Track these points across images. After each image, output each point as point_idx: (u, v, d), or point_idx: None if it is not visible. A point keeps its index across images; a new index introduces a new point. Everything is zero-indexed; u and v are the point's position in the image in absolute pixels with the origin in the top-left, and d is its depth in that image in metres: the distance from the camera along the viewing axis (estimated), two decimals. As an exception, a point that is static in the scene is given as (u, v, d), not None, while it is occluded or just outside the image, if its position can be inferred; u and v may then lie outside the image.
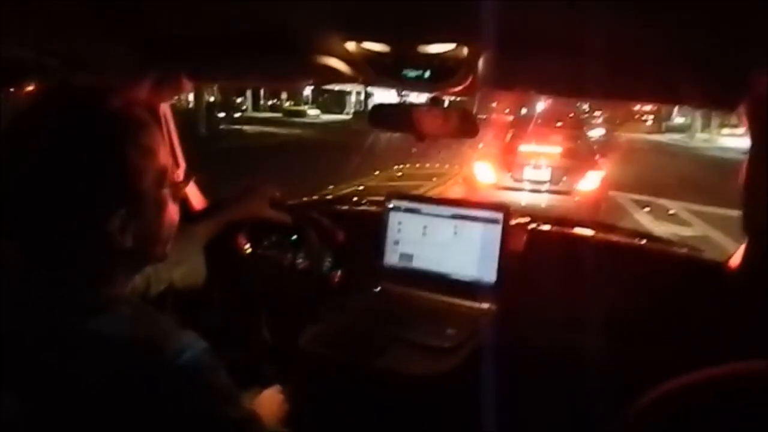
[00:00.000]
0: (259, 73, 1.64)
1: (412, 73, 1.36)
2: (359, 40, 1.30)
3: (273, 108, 37.04)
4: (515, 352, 1.44)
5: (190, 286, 1.39)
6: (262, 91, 33.92)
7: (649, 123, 34.95)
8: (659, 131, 31.86)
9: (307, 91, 39.22)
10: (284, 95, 36.74)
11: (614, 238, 1.87)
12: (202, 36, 1.34)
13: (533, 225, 1.81)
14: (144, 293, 1.24)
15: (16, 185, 0.76)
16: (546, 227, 1.84)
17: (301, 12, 1.19)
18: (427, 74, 1.36)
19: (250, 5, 1.17)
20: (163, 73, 1.49)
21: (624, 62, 1.21)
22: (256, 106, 31.95)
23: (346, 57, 1.38)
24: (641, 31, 1.11)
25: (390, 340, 1.41)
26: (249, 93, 32.32)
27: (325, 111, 38.10)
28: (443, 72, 1.35)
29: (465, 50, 1.27)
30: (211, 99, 27.42)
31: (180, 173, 0.93)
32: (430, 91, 1.50)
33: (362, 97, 40.80)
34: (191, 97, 23.56)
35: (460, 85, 1.41)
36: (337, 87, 39.30)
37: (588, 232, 1.91)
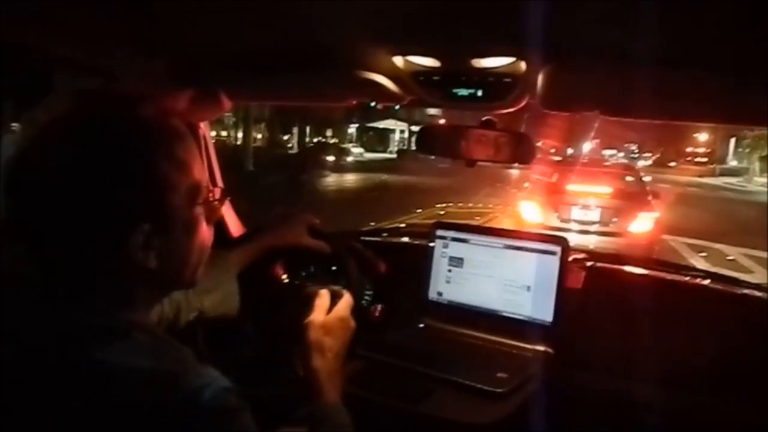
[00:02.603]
0: (301, 91, 1.59)
1: (463, 92, 1.28)
2: (406, 55, 1.23)
3: (318, 145, 37.76)
4: (573, 401, 1.35)
5: (222, 316, 1.33)
6: (308, 128, 34.61)
7: (703, 166, 34.18)
8: (713, 174, 31.05)
9: (352, 129, 39.91)
10: (329, 132, 37.44)
11: (679, 278, 1.72)
12: (242, 53, 1.30)
13: (591, 262, 1.68)
14: (173, 321, 1.19)
15: (36, 190, 0.70)
16: (605, 264, 1.70)
17: (345, 25, 1.12)
18: (480, 93, 1.27)
19: (292, 21, 1.12)
20: (202, 92, 1.45)
21: (694, 80, 1.11)
22: (301, 143, 32.62)
23: (392, 73, 1.31)
24: (716, 48, 1.01)
25: (435, 381, 1.32)
26: (296, 130, 33.01)
27: (368, 149, 38.60)
28: (497, 90, 1.27)
29: (522, 65, 1.18)
30: (259, 136, 28.17)
31: (216, 193, 0.85)
32: (482, 112, 1.41)
33: (406, 135, 41.27)
34: (240, 134, 24.27)
35: (515, 105, 1.33)
36: (381, 125, 40.10)
37: (650, 271, 1.75)
